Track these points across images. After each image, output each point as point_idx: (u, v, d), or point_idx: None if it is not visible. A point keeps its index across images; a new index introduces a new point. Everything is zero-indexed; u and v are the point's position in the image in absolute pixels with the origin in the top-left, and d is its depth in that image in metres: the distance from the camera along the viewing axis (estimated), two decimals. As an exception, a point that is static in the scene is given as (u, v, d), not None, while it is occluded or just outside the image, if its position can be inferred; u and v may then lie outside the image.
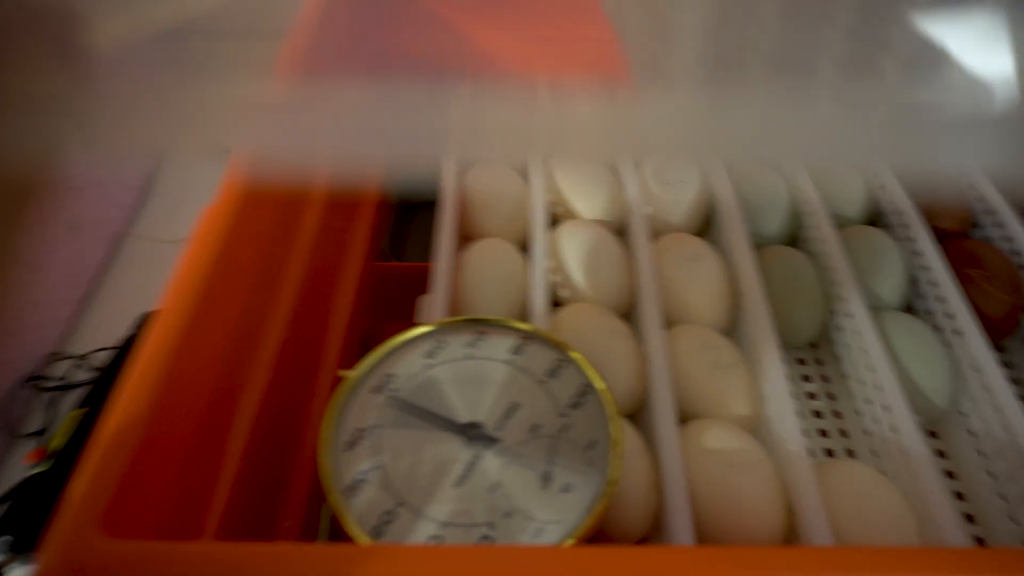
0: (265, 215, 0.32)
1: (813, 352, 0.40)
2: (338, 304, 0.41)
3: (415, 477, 0.26)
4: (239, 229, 0.29)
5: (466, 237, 0.42)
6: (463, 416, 0.28)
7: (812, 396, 0.38)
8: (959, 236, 0.41)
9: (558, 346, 0.30)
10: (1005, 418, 0.31)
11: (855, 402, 0.36)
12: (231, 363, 0.29)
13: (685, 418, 0.33)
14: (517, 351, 0.30)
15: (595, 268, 0.37)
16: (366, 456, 0.27)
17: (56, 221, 0.57)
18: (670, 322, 0.36)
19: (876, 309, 0.37)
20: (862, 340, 0.34)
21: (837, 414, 0.37)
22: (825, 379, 0.38)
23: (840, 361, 0.37)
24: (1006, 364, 0.39)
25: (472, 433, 0.27)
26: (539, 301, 0.35)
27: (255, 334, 0.31)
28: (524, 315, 0.36)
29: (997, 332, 0.36)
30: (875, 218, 0.43)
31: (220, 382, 0.28)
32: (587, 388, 0.29)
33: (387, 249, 0.47)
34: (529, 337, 0.30)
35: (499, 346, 0.30)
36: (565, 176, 0.42)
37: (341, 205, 0.42)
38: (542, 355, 0.30)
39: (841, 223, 0.41)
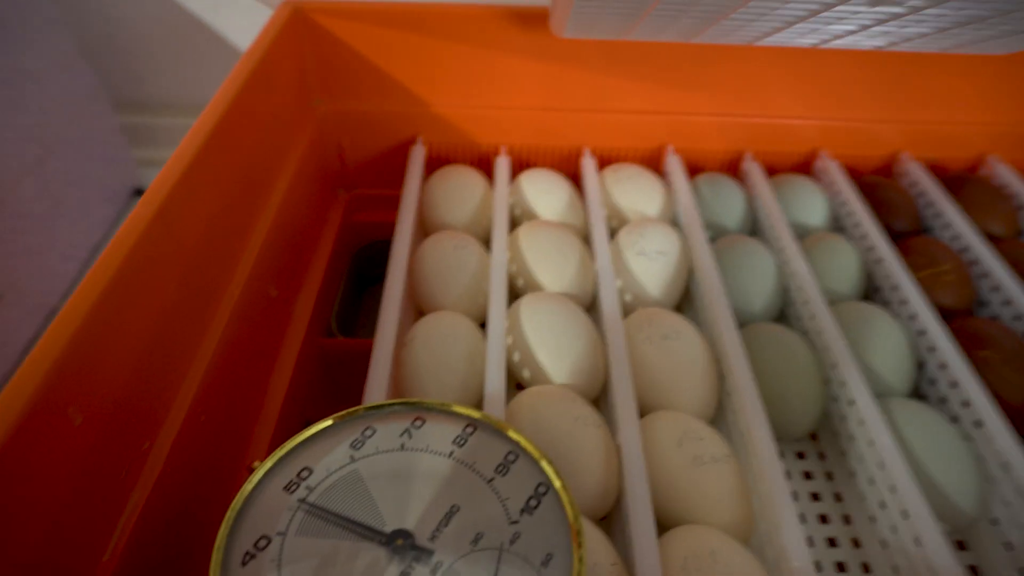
0: (170, 277, 0.27)
1: (814, 445, 0.35)
2: (274, 383, 0.36)
3: (323, 602, 0.21)
4: (129, 292, 0.24)
5: (421, 312, 0.38)
6: (389, 522, 0.22)
7: (816, 497, 0.32)
8: (963, 314, 0.37)
9: (510, 436, 0.25)
10: (1044, 526, 0.26)
11: (867, 505, 0.30)
12: (114, 447, 0.24)
13: (665, 524, 0.27)
14: (460, 442, 0.25)
15: (560, 346, 0.32)
16: (265, 572, 0.21)
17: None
18: (644, 408, 0.31)
19: (881, 395, 0.33)
20: (868, 431, 0.29)
21: (847, 519, 0.31)
22: (829, 476, 0.33)
23: (845, 456, 0.32)
24: (1033, 460, 0.34)
25: (398, 544, 0.22)
26: (494, 383, 0.30)
27: (150, 416, 0.26)
28: (481, 399, 0.32)
29: (1020, 421, 0.32)
30: (870, 294, 0.40)
31: (96, 472, 0.23)
32: (544, 488, 0.23)
33: (334, 326, 0.42)
34: (475, 425, 0.25)
35: (439, 435, 0.25)
36: (530, 244, 0.38)
37: (279, 272, 0.38)
38: (491, 447, 0.24)
39: (833, 299, 0.38)
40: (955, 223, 0.41)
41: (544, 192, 0.44)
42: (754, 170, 0.46)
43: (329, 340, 0.41)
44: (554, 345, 0.33)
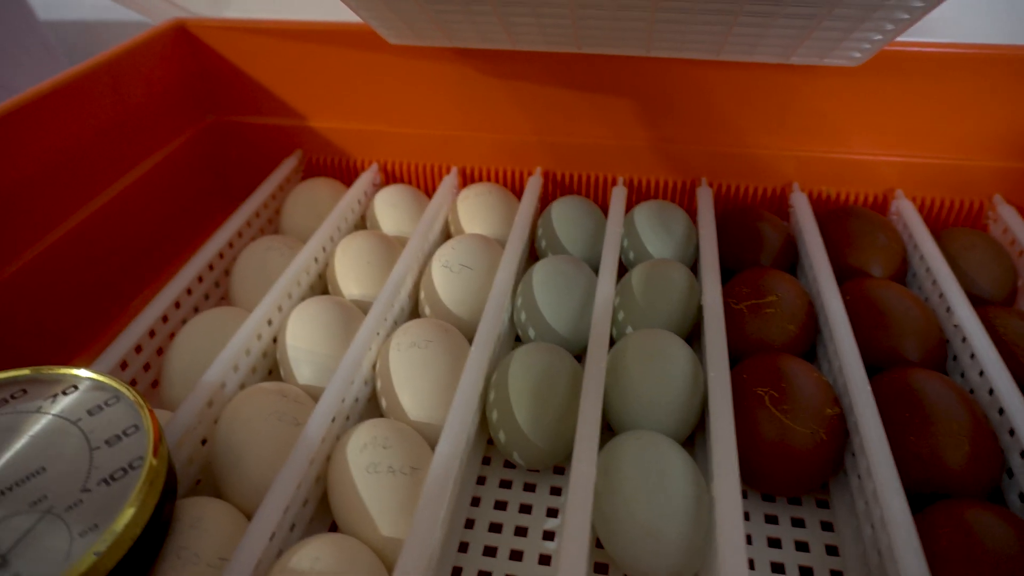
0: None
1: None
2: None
3: None
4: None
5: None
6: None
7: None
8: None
9: (140, 412, 0.23)
10: None
11: None
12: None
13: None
14: (94, 412, 0.24)
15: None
16: None
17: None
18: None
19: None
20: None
21: None
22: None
23: None
24: None
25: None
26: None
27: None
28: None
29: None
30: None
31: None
32: (138, 464, 0.22)
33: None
34: (120, 398, 0.24)
35: (78, 404, 0.24)
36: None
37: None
38: (119, 419, 0.23)
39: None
40: None
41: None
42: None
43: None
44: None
